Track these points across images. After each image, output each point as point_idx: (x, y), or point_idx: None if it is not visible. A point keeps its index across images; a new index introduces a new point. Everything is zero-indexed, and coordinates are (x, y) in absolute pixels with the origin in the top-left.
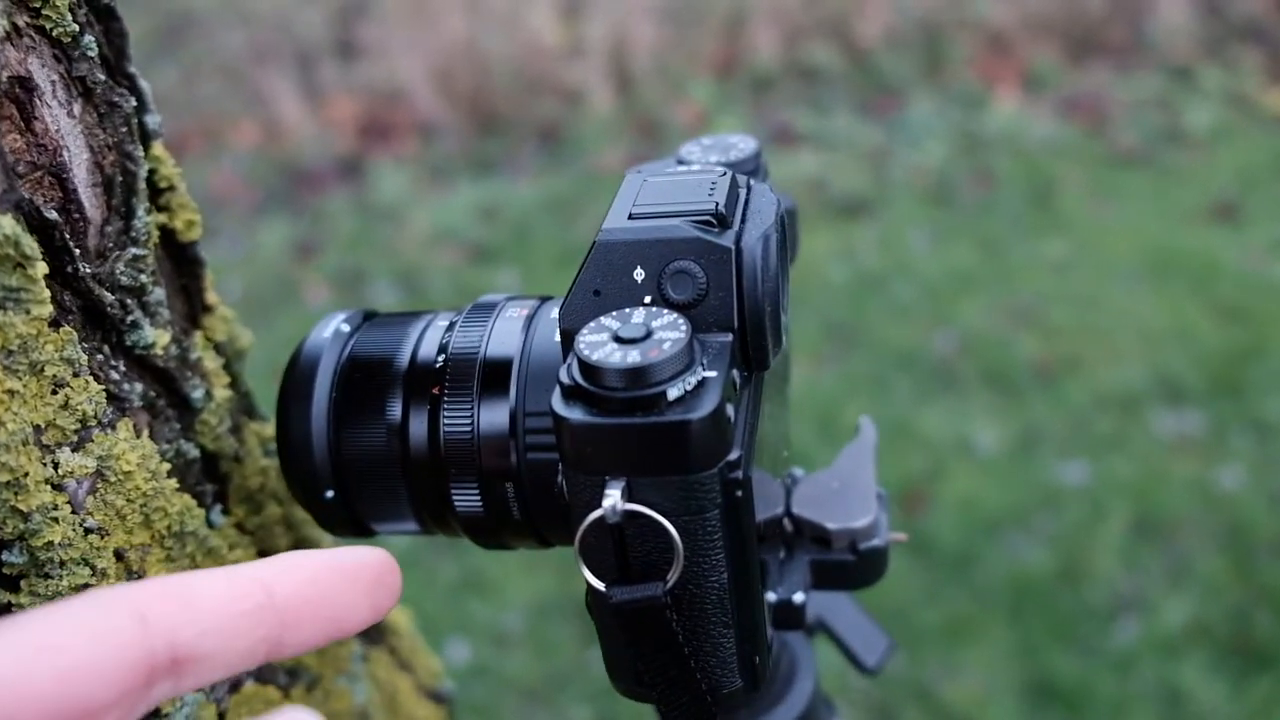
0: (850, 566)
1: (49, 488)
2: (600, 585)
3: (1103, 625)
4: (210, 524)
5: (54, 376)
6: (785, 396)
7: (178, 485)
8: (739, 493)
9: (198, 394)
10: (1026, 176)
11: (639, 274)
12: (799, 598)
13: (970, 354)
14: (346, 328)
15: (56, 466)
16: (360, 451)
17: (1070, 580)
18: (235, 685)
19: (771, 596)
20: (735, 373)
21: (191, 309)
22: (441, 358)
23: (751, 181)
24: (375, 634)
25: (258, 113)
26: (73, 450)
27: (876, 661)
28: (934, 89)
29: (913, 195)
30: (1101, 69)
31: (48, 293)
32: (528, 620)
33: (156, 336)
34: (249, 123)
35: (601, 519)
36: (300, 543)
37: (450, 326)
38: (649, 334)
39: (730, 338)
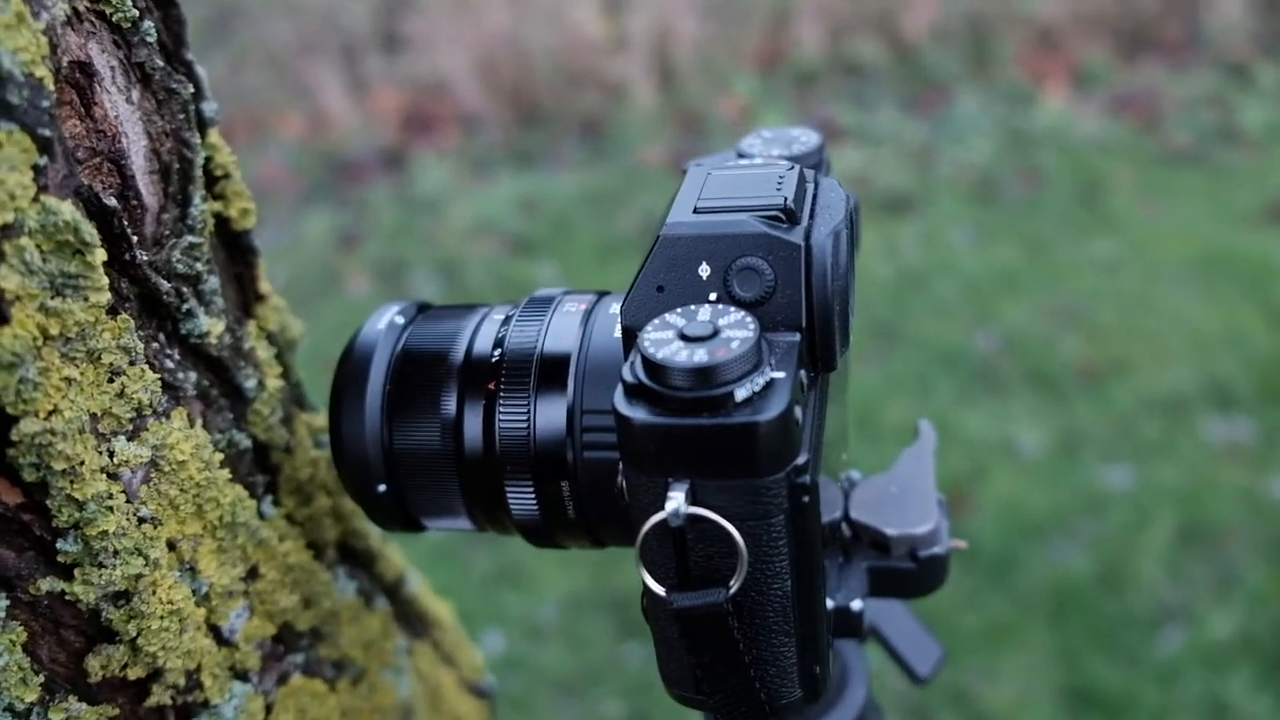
0: (909, 574)
1: (104, 476)
2: (660, 590)
3: (1146, 634)
4: (261, 515)
5: (110, 364)
6: (845, 396)
7: (230, 476)
8: (806, 498)
9: (250, 384)
10: (1074, 175)
11: (704, 270)
12: (857, 605)
13: (1014, 354)
14: (401, 320)
15: (112, 455)
16: (413, 447)
17: (1113, 587)
18: (283, 677)
19: (829, 603)
20: (803, 374)
21: (245, 298)
22: (498, 353)
23: (819, 176)
24: (420, 628)
25: (303, 104)
26: (128, 439)
27: (929, 671)
28: (981, 85)
29: (957, 192)
30: (1154, 66)
31: (106, 280)
32: (562, 613)
33: (211, 325)
34: (294, 114)
35: (664, 522)
36: (348, 535)
37: (506, 320)
38: (716, 332)
39: (798, 337)
